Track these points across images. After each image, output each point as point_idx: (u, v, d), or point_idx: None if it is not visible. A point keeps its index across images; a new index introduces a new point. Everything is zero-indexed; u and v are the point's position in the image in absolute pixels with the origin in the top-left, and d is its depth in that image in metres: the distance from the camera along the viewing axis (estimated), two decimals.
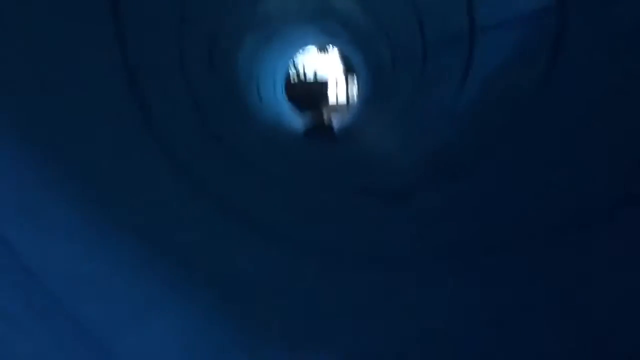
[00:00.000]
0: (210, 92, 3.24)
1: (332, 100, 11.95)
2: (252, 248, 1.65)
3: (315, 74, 13.45)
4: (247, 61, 5.18)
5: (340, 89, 12.24)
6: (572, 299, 1.27)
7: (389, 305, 1.41)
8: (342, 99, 11.70)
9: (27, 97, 1.26)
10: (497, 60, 2.71)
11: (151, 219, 1.41)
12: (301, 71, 12.86)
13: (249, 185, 2.36)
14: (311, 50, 11.64)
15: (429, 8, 3.66)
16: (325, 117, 9.50)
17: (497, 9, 2.76)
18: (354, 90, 10.10)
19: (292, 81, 12.06)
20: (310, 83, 12.73)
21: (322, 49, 12.01)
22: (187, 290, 1.21)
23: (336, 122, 7.23)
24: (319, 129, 6.08)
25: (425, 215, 2.19)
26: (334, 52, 11.53)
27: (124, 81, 1.88)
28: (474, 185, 2.25)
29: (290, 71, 11.48)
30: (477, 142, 2.60)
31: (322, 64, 12.87)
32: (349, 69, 10.41)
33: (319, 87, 11.59)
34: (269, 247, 1.68)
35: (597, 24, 1.91)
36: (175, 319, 1.11)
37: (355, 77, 9.04)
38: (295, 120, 7.55)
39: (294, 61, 11.99)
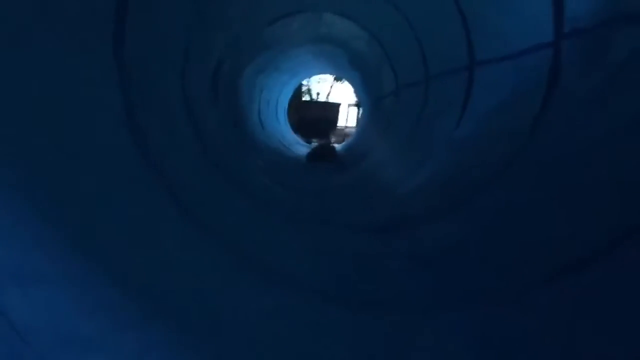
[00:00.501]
0: (211, 120, 3.27)
1: (341, 127, 12.00)
2: (254, 289, 1.66)
3: (327, 98, 13.61)
4: (248, 88, 5.24)
5: (351, 117, 12.33)
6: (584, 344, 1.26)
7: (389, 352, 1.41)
8: (352, 130, 11.77)
9: (25, 143, 1.28)
10: (494, 96, 2.74)
11: (152, 266, 1.41)
12: (315, 97, 13.02)
13: (252, 221, 2.37)
14: (327, 80, 11.78)
15: (430, 41, 3.71)
16: (331, 140, 9.55)
17: (495, 45, 2.79)
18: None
19: (303, 98, 12.17)
20: (323, 102, 12.85)
21: (338, 78, 12.16)
22: (185, 340, 1.21)
23: (340, 147, 7.26)
24: (323, 153, 6.09)
25: (422, 251, 2.19)
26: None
27: (122, 113, 1.90)
28: (471, 220, 2.25)
29: (303, 95, 11.60)
30: (474, 175, 2.61)
31: (336, 91, 13.02)
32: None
33: (331, 108, 11.61)
34: (270, 288, 1.68)
35: (592, 62, 1.93)
36: None
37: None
38: (298, 146, 7.58)
39: (309, 88, 12.08)
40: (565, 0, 2.07)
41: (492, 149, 2.63)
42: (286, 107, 8.96)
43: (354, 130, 11.40)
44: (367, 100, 6.59)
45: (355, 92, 7.55)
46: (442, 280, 1.87)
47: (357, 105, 11.45)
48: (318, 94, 14.19)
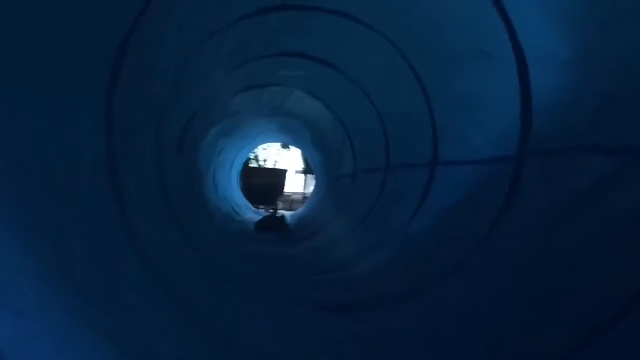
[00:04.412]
0: (176, 176, 3.27)
1: (288, 193, 12.12)
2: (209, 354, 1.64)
3: (274, 165, 13.78)
4: (209, 149, 5.29)
5: (297, 186, 12.52)
6: None
7: None
8: (298, 196, 11.91)
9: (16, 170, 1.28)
10: (452, 196, 2.89)
11: (115, 313, 1.39)
12: (262, 163, 13.17)
13: (209, 285, 2.35)
14: (273, 146, 11.96)
15: (396, 134, 3.90)
16: (279, 209, 9.59)
17: (460, 148, 2.98)
18: (311, 187, 10.34)
19: (250, 164, 12.27)
20: (270, 169, 13.00)
21: (285, 145, 12.37)
22: None
23: (290, 216, 7.30)
24: (272, 222, 6.10)
25: (369, 337, 2.22)
26: (296, 150, 11.87)
27: (104, 157, 1.92)
28: (422, 312, 2.31)
29: (250, 161, 11.71)
30: (427, 269, 2.70)
31: (283, 159, 13.23)
32: (308, 169, 10.69)
33: (278, 174, 11.71)
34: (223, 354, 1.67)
35: (553, 183, 2.09)
36: None
37: (314, 176, 9.26)
38: (247, 211, 7.58)
39: (256, 155, 12.22)
40: (533, 121, 2.26)
41: (446, 247, 2.74)
42: (239, 170, 9.01)
43: (300, 196, 11.55)
44: (324, 178, 6.73)
45: (314, 168, 7.73)
46: None
47: (304, 172, 11.67)
48: (265, 160, 14.36)
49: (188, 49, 2.91)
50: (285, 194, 11.86)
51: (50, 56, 1.56)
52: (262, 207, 9.32)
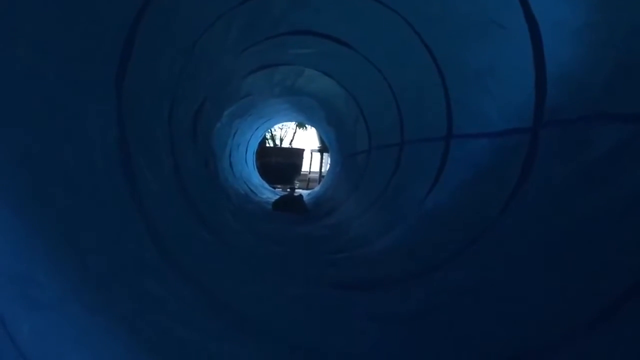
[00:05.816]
0: (190, 160, 3.29)
1: (305, 172, 12.11)
2: (229, 337, 1.66)
3: (290, 144, 13.78)
4: (224, 131, 5.29)
5: (314, 165, 12.49)
6: None
7: None
8: (315, 175, 11.90)
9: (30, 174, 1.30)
10: (468, 170, 2.86)
11: (131, 299, 1.42)
12: (278, 142, 13.17)
13: (226, 267, 2.38)
14: (289, 126, 11.94)
15: (410, 108, 3.86)
16: (296, 188, 9.61)
17: (474, 121, 2.94)
18: (328, 166, 10.31)
19: (267, 144, 12.28)
20: (286, 148, 13.00)
21: (301, 124, 12.32)
22: None
23: (307, 194, 7.31)
24: (289, 201, 6.11)
25: (386, 314, 2.23)
26: (312, 129, 11.81)
27: (116, 144, 1.93)
28: (438, 288, 2.31)
29: (267, 141, 11.70)
30: (443, 245, 2.69)
31: (299, 137, 13.20)
32: (324, 147, 10.62)
33: (295, 153, 11.65)
34: (241, 337, 1.69)
35: (569, 153, 2.05)
36: None
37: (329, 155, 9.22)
38: (264, 191, 7.60)
39: (272, 134, 12.22)
40: (547, 91, 2.21)
41: (461, 222, 2.72)
42: (255, 150, 9.02)
43: (317, 175, 11.54)
44: (338, 155, 6.71)
45: (328, 145, 7.70)
46: (406, 347, 1.90)
47: (320, 150, 11.61)
48: (282, 139, 14.34)
49: (195, 33, 2.90)
50: (302, 173, 11.85)
51: (58, 49, 1.56)
52: (279, 186, 9.33)
